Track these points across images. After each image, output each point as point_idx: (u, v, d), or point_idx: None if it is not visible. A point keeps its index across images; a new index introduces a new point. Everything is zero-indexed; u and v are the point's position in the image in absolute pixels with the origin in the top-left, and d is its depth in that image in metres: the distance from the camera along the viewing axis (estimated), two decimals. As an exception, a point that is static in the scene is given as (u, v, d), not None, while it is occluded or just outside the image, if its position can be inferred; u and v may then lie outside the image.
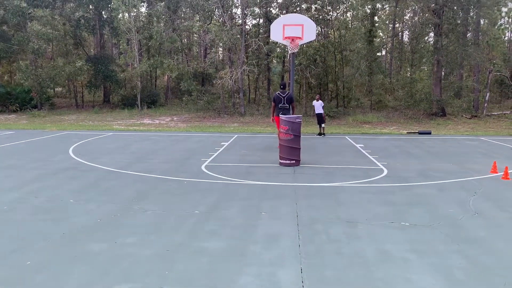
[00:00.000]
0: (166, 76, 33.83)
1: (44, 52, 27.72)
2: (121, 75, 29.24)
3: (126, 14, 27.23)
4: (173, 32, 29.95)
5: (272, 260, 4.54)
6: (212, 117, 24.96)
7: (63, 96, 35.66)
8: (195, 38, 36.32)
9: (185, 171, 9.36)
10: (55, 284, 4.00)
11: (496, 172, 9.19)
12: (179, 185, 8.06)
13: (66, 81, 30.72)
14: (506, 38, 36.55)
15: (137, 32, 27.18)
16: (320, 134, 17.04)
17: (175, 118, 24.40)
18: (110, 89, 31.96)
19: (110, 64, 30.45)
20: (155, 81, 34.86)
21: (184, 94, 28.81)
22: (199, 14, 30.75)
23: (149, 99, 28.63)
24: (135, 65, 27.39)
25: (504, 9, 33.28)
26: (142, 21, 28.40)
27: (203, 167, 9.81)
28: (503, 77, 29.42)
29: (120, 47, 30.01)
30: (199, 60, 34.22)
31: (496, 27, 33.24)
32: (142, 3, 31.31)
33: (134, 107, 27.75)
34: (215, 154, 11.83)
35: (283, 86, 11.73)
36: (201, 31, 29.46)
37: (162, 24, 29.35)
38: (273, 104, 11.75)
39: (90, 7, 30.34)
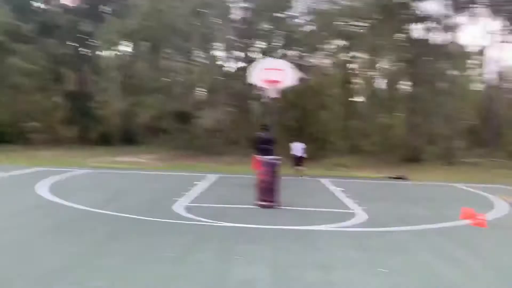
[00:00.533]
0: (146, 114, 33.78)
1: (22, 87, 27.44)
2: (100, 112, 29.05)
3: (108, 52, 27.45)
4: (154, 71, 30.22)
5: (246, 307, 4.40)
6: (190, 156, 24.81)
7: (39, 131, 34.98)
8: (176, 78, 36.67)
9: (159, 211, 9.13)
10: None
11: (471, 219, 9.29)
12: (152, 227, 7.86)
13: (43, 116, 30.30)
14: (476, 88, 38.11)
15: (118, 70, 27.32)
16: (296, 168, 17.06)
17: (152, 156, 24.14)
18: (87, 126, 31.60)
19: (88, 100, 30.27)
20: (134, 119, 34.71)
21: (163, 133, 28.72)
22: (180, 55, 31.22)
23: (127, 137, 28.39)
24: (115, 102, 27.33)
25: (474, 61, 34.96)
26: (124, 59, 28.66)
27: (178, 208, 9.61)
28: (474, 125, 30.46)
29: (100, 84, 30.01)
30: (179, 99, 34.40)
31: (466, 78, 34.75)
32: (124, 42, 31.66)
33: (111, 144, 27.41)
34: (192, 194, 11.64)
35: (264, 128, 11.82)
36: (183, 72, 29.85)
37: (143, 63, 29.66)
38: (254, 144, 11.81)
39: (72, 44, 30.50)
